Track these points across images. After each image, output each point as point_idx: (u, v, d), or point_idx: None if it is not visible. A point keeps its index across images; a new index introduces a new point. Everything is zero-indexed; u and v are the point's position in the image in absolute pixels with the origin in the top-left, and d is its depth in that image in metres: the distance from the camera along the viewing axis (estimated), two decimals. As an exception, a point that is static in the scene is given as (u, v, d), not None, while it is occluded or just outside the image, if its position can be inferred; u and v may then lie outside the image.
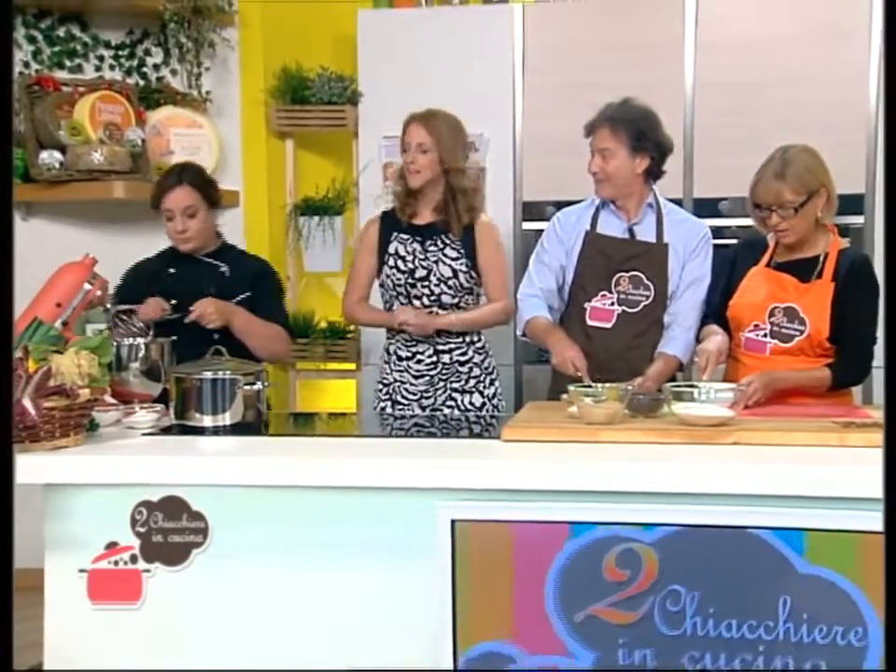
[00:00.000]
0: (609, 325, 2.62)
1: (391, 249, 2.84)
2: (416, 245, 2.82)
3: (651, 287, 2.61)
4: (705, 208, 3.34)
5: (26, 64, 3.62)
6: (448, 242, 2.80)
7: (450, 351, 2.83)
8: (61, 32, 3.65)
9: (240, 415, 2.19)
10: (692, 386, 2.11)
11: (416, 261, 2.81)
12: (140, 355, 2.42)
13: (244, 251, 3.01)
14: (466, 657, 1.75)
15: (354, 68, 3.71)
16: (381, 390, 2.92)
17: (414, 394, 2.84)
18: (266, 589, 1.95)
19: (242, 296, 2.76)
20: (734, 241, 3.19)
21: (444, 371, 2.83)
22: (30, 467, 1.89)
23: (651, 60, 3.44)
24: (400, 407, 2.85)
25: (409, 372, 2.85)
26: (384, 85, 3.62)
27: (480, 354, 2.87)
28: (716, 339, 2.40)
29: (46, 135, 3.46)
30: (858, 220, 3.36)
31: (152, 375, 2.43)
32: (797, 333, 2.38)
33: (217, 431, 2.17)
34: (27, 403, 1.86)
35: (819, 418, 2.10)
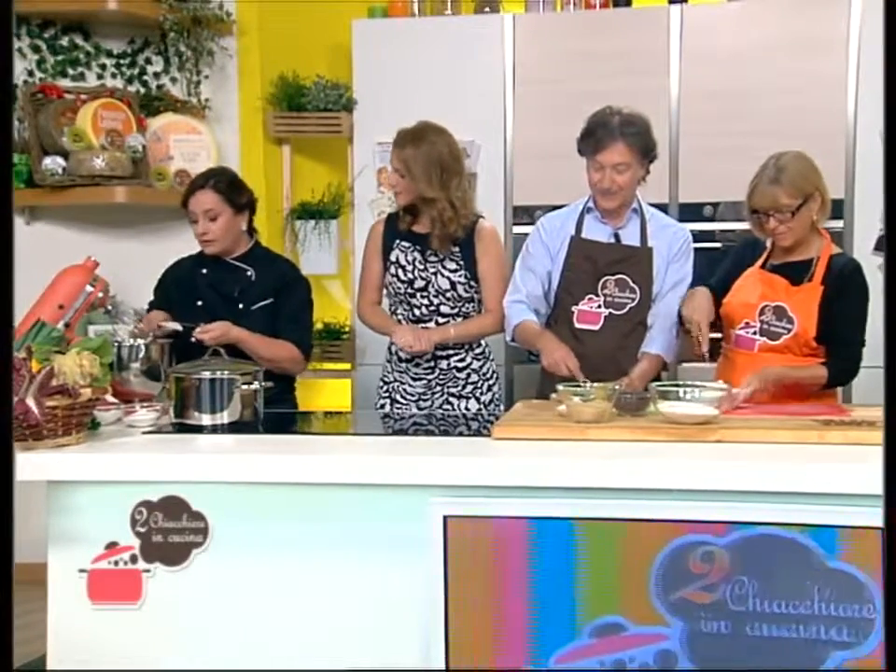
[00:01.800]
0: (596, 327, 2.65)
1: (392, 257, 2.85)
2: (417, 255, 2.82)
3: (637, 290, 2.64)
4: (689, 213, 3.40)
5: (30, 73, 3.65)
6: (446, 254, 2.80)
7: (448, 357, 2.84)
8: (64, 41, 3.69)
9: (237, 414, 2.22)
10: (677, 386, 2.14)
11: (416, 271, 2.81)
12: (140, 355, 2.46)
13: (274, 254, 2.97)
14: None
15: (349, 76, 3.74)
16: (381, 388, 2.94)
17: (413, 395, 2.86)
18: (266, 589, 1.97)
19: (264, 303, 2.76)
20: (718, 244, 3.26)
21: (441, 377, 2.84)
22: (33, 464, 1.90)
23: (637, 69, 3.49)
24: (399, 406, 2.87)
25: (408, 374, 2.87)
26: (378, 92, 3.67)
27: (479, 360, 2.88)
28: (698, 300, 2.41)
29: (49, 142, 3.50)
30: (837, 224, 3.40)
31: (152, 375, 2.47)
32: (784, 331, 2.43)
33: (215, 430, 2.20)
34: (30, 402, 1.88)
35: (801, 416, 2.14)
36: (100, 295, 2.57)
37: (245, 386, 2.23)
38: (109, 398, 2.26)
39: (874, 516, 1.72)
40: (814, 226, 2.46)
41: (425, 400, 2.86)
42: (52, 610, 2.02)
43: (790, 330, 2.42)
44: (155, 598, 1.98)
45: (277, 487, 1.94)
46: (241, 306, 2.75)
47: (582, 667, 1.84)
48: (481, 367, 2.88)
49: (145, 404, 2.36)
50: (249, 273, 2.79)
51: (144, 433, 2.19)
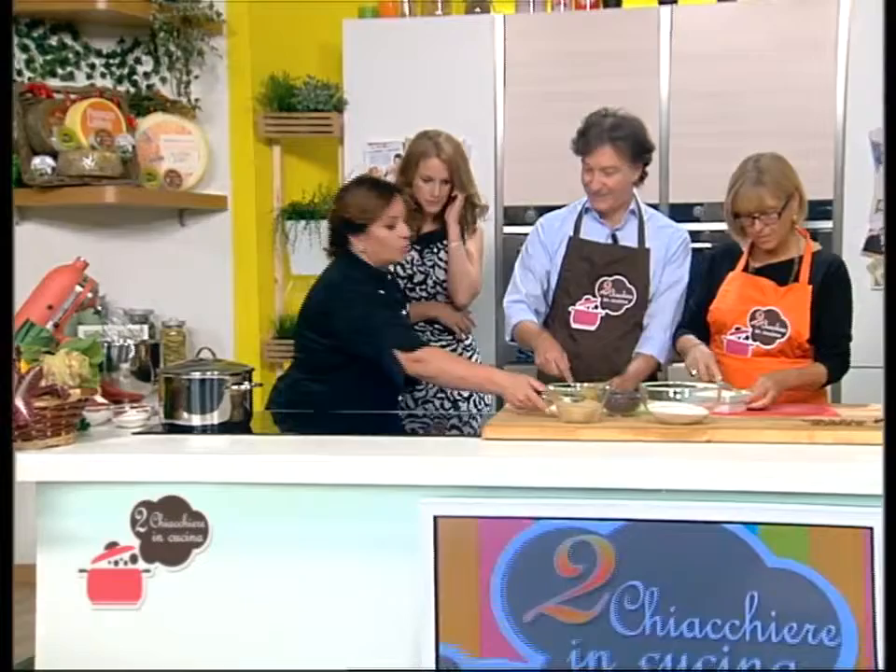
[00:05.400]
0: (592, 327, 2.67)
1: None
2: (414, 254, 2.91)
3: (634, 291, 2.66)
4: (680, 213, 3.39)
5: (19, 72, 3.63)
6: (443, 247, 2.91)
7: (441, 348, 2.85)
8: (53, 41, 3.68)
9: (227, 414, 2.21)
10: (667, 386, 2.15)
11: (415, 267, 2.92)
12: (130, 356, 2.47)
13: None
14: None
15: (339, 76, 3.75)
16: None
17: (408, 386, 2.90)
18: (265, 589, 1.97)
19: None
20: (708, 245, 3.27)
21: None
22: (22, 465, 1.90)
23: (627, 69, 3.51)
24: None
25: None
26: (368, 93, 3.67)
27: (468, 351, 2.96)
28: (696, 351, 2.43)
29: (38, 142, 3.49)
30: (827, 225, 3.42)
31: (142, 375, 2.47)
32: (778, 335, 2.43)
33: (205, 430, 2.20)
34: (19, 403, 1.88)
35: (790, 416, 2.15)
36: (89, 295, 2.55)
37: (234, 387, 2.23)
38: (99, 398, 2.26)
39: (858, 516, 1.72)
40: (793, 226, 2.46)
41: (419, 391, 2.88)
42: (44, 611, 2.02)
43: (783, 334, 2.42)
44: (155, 598, 1.98)
45: (277, 487, 1.95)
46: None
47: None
48: (470, 356, 2.96)
49: (134, 405, 2.36)
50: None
51: (133, 434, 2.19)
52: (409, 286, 2.93)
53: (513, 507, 1.84)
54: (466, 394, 2.89)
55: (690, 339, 2.53)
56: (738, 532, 1.64)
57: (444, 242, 2.91)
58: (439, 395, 2.87)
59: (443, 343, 2.91)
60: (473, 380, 2.39)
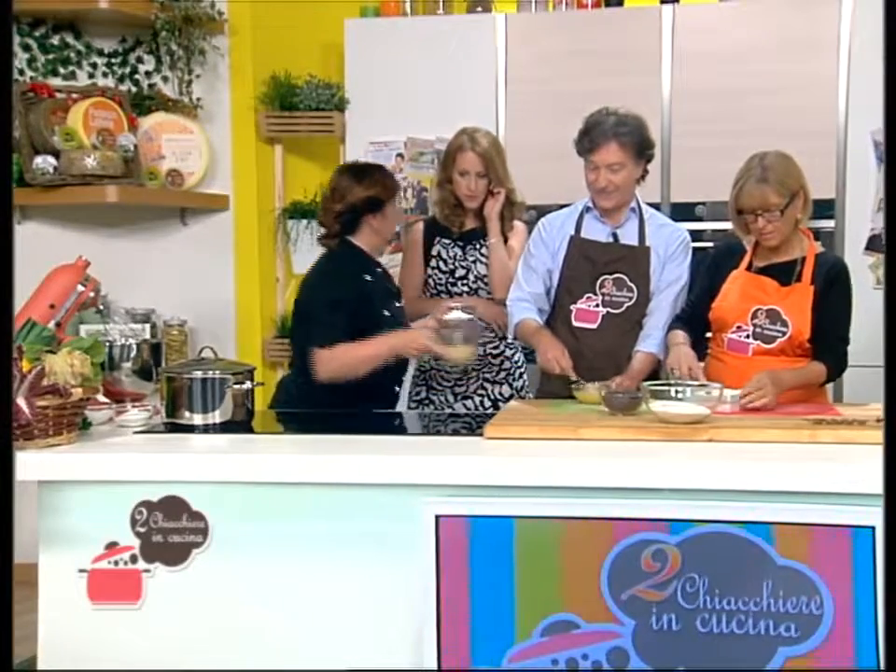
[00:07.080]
0: (594, 325, 2.68)
1: (434, 252, 2.98)
2: (458, 250, 2.96)
3: (634, 289, 2.67)
4: (682, 212, 3.40)
5: (21, 72, 3.64)
6: (484, 243, 2.96)
7: (484, 344, 2.90)
8: (55, 40, 3.69)
9: (229, 414, 2.22)
10: (668, 385, 2.15)
11: (457, 263, 2.96)
12: (132, 355, 2.47)
13: None
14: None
15: (341, 75, 3.76)
16: (417, 376, 3.00)
17: (448, 381, 2.93)
18: (265, 588, 1.98)
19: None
20: (710, 244, 3.27)
21: (477, 363, 2.90)
22: (24, 464, 1.91)
23: (629, 69, 3.51)
24: (434, 392, 2.95)
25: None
26: (370, 92, 3.68)
27: (511, 348, 2.99)
28: (679, 351, 2.45)
29: (40, 141, 3.49)
30: (829, 224, 3.42)
31: (144, 375, 2.47)
32: (779, 335, 2.43)
33: (206, 429, 2.20)
34: (21, 402, 1.89)
35: (792, 415, 2.15)
36: (91, 294, 2.55)
37: (236, 386, 2.23)
38: (100, 397, 2.27)
39: (844, 514, 1.76)
40: (797, 225, 2.46)
41: (460, 386, 2.92)
42: (45, 611, 2.02)
43: (784, 333, 2.42)
44: (155, 598, 1.98)
45: (277, 487, 1.95)
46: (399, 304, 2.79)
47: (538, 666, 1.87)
48: (512, 355, 2.99)
49: (136, 404, 2.37)
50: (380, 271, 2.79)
51: (135, 433, 2.19)
52: (450, 280, 2.97)
53: (514, 506, 1.85)
54: (507, 394, 2.93)
55: (677, 335, 2.54)
56: (749, 536, 1.80)
57: (486, 238, 2.95)
58: (479, 392, 2.91)
59: (486, 338, 2.92)
60: (377, 352, 2.50)
